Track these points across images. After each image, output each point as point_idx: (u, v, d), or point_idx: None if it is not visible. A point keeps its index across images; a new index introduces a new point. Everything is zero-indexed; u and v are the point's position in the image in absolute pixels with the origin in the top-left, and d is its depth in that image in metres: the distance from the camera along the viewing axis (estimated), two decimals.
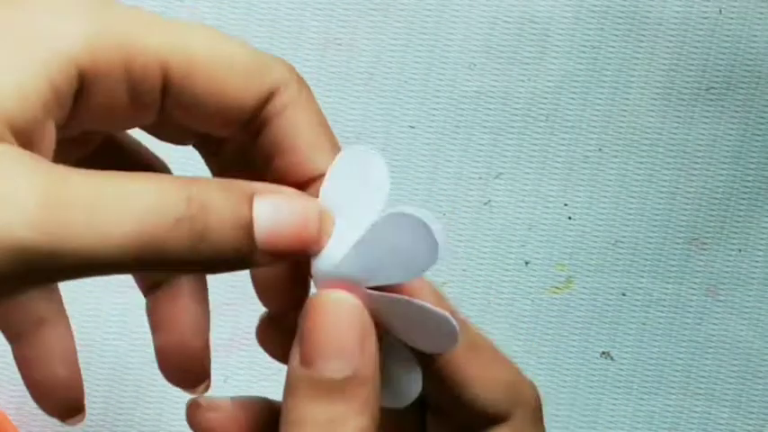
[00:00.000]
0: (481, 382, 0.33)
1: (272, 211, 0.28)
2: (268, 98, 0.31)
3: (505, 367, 0.34)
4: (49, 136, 0.29)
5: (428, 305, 0.30)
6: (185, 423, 0.55)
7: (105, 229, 0.26)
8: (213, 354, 0.55)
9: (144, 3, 0.54)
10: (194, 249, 0.27)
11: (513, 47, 0.55)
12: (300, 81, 0.32)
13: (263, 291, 0.35)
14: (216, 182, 0.28)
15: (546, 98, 0.55)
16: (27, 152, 0.27)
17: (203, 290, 0.36)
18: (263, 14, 0.54)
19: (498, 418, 0.34)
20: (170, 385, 0.55)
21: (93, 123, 0.30)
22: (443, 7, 0.55)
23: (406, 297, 0.30)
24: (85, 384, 0.55)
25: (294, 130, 0.31)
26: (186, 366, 0.36)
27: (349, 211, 0.31)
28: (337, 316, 0.30)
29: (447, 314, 0.30)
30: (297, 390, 0.30)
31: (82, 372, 0.52)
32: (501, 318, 0.55)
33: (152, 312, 0.36)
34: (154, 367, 0.55)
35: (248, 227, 0.28)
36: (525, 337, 0.55)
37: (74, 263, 0.26)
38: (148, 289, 0.36)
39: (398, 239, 0.29)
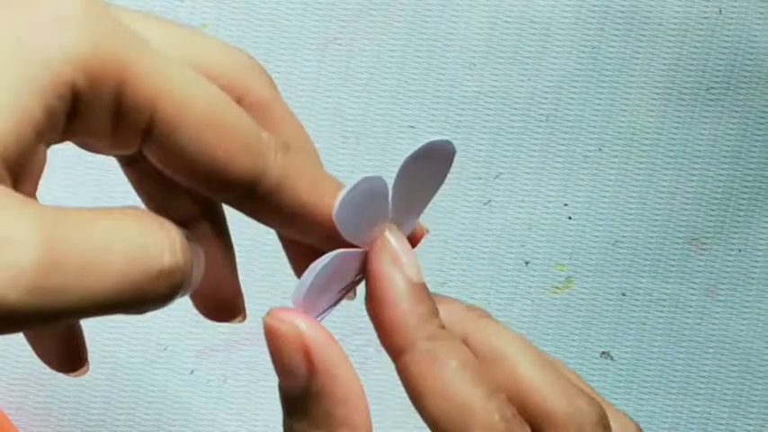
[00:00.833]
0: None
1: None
2: (261, 175, 0.31)
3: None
4: (40, 162, 0.28)
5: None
6: (185, 423, 0.55)
7: (92, 285, 0.27)
8: (213, 354, 0.55)
9: (144, 3, 0.54)
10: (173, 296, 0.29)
11: (513, 47, 0.55)
12: (287, 149, 0.31)
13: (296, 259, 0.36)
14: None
15: (546, 98, 0.55)
16: (18, 197, 0.27)
17: (225, 228, 0.36)
18: (263, 14, 0.54)
19: None
20: (170, 385, 0.55)
21: (72, 141, 0.30)
22: (443, 7, 0.55)
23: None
24: (86, 384, 0.55)
25: (297, 201, 0.31)
26: (222, 303, 0.36)
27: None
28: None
29: None
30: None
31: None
32: (501, 318, 0.55)
33: None
34: (154, 367, 0.55)
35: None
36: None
37: (55, 317, 0.27)
38: None
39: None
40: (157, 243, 0.28)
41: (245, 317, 0.37)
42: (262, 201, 0.31)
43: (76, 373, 0.39)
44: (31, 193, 0.29)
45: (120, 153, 0.31)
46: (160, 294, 0.28)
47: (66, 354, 0.37)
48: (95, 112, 0.29)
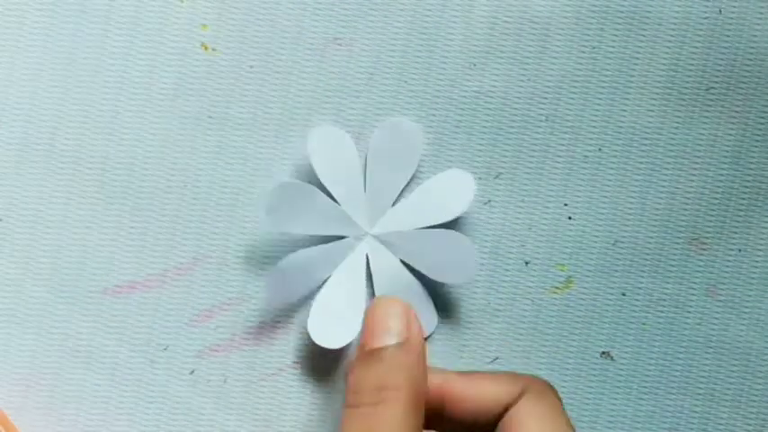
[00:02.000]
0: (484, 387, 0.44)
1: None
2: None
3: (500, 374, 0.49)
4: None
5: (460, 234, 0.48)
6: (185, 423, 0.55)
7: None
8: (213, 354, 0.55)
9: (144, 3, 0.54)
10: None
11: (513, 47, 0.55)
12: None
13: None
14: None
15: (546, 98, 0.55)
16: None
17: None
18: (263, 14, 0.54)
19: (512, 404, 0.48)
20: (170, 385, 0.55)
21: None
22: (443, 7, 0.55)
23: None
24: (86, 384, 0.55)
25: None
26: None
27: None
28: (387, 309, 0.46)
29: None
30: (355, 362, 0.43)
31: (83, 372, 0.52)
32: (501, 318, 0.55)
33: None
34: (154, 367, 0.55)
35: None
36: (525, 337, 0.55)
37: None
38: None
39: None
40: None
41: None
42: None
43: None
44: None
45: None
46: None
47: None
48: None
